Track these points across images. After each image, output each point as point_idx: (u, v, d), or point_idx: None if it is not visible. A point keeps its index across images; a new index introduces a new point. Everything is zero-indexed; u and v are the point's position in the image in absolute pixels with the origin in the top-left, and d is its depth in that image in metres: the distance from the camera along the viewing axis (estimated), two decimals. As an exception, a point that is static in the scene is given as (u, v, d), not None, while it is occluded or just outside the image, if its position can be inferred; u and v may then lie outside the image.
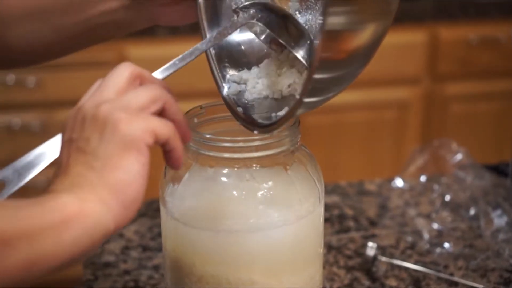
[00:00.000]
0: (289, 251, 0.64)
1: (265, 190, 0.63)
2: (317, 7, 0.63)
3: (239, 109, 0.62)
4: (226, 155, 0.62)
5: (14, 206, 0.47)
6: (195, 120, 0.67)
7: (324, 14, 0.49)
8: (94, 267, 0.85)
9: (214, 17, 0.66)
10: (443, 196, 0.96)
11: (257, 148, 0.62)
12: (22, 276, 0.46)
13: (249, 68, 0.65)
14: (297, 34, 0.62)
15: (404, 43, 1.85)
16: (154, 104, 0.51)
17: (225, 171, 0.63)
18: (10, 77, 1.74)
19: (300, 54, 0.61)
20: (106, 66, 1.67)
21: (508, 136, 1.91)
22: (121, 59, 1.68)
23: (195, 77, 1.45)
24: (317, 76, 0.51)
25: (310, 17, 0.63)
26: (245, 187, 0.63)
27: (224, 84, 0.65)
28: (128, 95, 0.51)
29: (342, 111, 1.87)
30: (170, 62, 0.58)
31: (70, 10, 0.69)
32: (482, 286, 0.80)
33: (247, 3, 0.63)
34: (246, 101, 0.63)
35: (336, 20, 0.49)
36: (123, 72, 0.53)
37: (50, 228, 0.46)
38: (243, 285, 0.63)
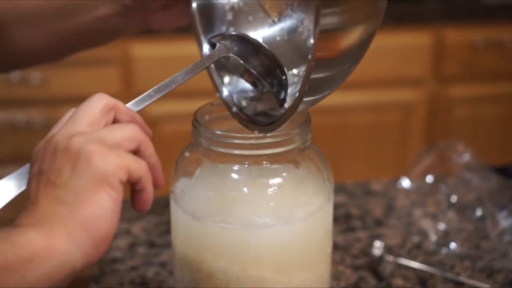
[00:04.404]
0: (298, 248, 0.64)
1: (275, 187, 0.63)
2: (309, 8, 0.63)
3: (236, 109, 0.64)
4: (237, 151, 0.62)
5: None
6: (206, 117, 0.67)
7: (316, 15, 0.50)
8: (101, 263, 0.85)
9: (208, 22, 0.66)
10: (449, 197, 0.96)
11: (268, 146, 0.62)
12: None
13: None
14: (270, 64, 0.62)
15: (410, 45, 1.85)
16: (130, 142, 0.49)
17: (236, 167, 0.63)
18: (15, 74, 1.74)
19: (274, 85, 0.61)
20: (110, 64, 1.69)
21: (512, 139, 1.90)
22: (125, 57, 1.67)
23: (202, 74, 1.45)
24: (314, 75, 0.52)
25: (303, 15, 0.63)
26: (255, 183, 0.63)
27: (224, 87, 0.65)
28: (103, 130, 0.49)
29: (347, 112, 1.88)
30: (145, 93, 0.55)
31: (62, 16, 0.68)
32: (488, 286, 0.80)
33: (224, 33, 0.63)
34: (248, 99, 0.64)
35: (329, 21, 0.50)
36: (96, 103, 0.50)
37: (15, 266, 0.44)
38: (253, 283, 0.63)
